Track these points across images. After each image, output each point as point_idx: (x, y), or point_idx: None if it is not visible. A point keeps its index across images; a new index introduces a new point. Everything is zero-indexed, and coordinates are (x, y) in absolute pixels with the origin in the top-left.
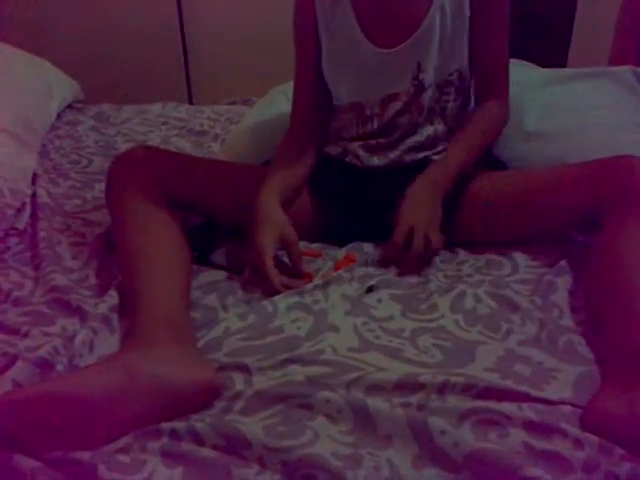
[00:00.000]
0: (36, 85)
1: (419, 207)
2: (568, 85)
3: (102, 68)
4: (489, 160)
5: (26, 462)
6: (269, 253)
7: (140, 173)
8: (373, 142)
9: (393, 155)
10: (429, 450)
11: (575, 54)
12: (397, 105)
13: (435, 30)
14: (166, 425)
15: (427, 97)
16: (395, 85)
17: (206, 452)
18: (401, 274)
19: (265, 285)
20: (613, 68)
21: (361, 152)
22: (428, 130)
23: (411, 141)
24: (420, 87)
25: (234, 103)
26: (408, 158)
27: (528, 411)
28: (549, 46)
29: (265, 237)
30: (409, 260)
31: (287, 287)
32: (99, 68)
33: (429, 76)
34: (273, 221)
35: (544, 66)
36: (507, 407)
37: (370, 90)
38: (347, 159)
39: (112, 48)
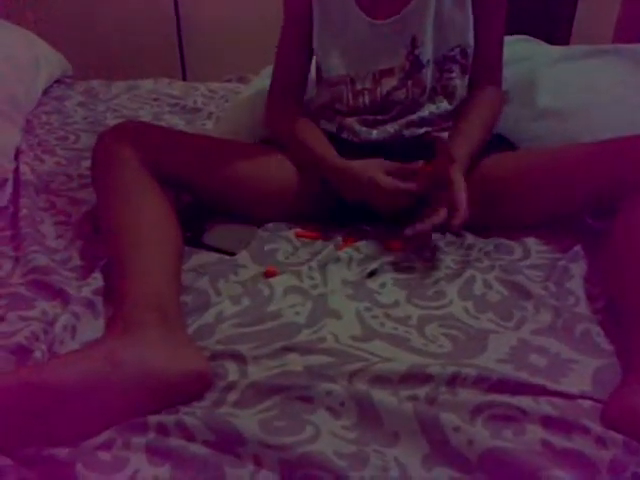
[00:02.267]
0: (22, 58)
1: None
2: (582, 62)
3: (94, 44)
4: (496, 141)
5: None
6: (380, 172)
7: (128, 148)
8: (370, 117)
9: (392, 129)
10: (441, 448)
11: (579, 30)
12: (392, 81)
13: (431, 4)
14: (152, 418)
15: (427, 74)
16: (388, 60)
17: (196, 449)
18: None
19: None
20: (627, 45)
21: (357, 126)
22: (430, 108)
23: (412, 117)
24: (417, 63)
25: (229, 81)
26: (407, 133)
27: (546, 406)
28: (553, 22)
29: (374, 168)
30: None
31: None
32: (90, 44)
33: (426, 51)
34: (369, 164)
35: (548, 42)
36: (523, 401)
37: (361, 63)
38: (343, 135)
39: (105, 24)
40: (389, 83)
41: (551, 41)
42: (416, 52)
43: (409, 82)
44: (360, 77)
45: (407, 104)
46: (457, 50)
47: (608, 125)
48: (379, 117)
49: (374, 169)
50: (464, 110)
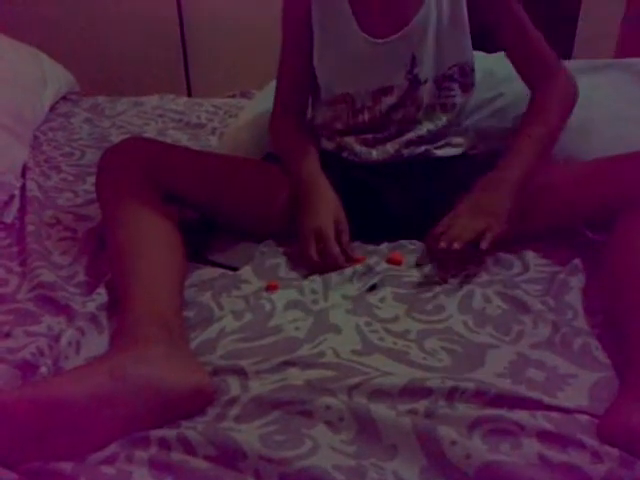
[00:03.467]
0: (29, 75)
1: (480, 201)
2: (583, 78)
3: (99, 60)
4: (496, 157)
5: (1, 474)
6: (331, 231)
7: (133, 165)
8: (369, 137)
9: (392, 149)
10: (438, 462)
11: (581, 45)
12: (391, 99)
13: (431, 22)
14: (155, 433)
15: (425, 92)
16: (388, 78)
17: (197, 463)
18: (440, 274)
19: (324, 261)
20: (628, 60)
21: (357, 147)
22: (428, 126)
23: (410, 136)
24: (415, 81)
25: (233, 96)
26: (407, 152)
27: (542, 420)
28: (554, 36)
29: (326, 217)
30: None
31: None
32: (96, 60)
33: (425, 70)
34: (330, 203)
35: None
36: (520, 416)
37: (361, 82)
38: (344, 155)
39: (110, 40)
40: (388, 101)
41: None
42: (415, 71)
43: (407, 101)
44: (360, 95)
45: (404, 123)
46: (455, 69)
47: (608, 140)
48: (378, 135)
49: (328, 219)
50: (519, 125)
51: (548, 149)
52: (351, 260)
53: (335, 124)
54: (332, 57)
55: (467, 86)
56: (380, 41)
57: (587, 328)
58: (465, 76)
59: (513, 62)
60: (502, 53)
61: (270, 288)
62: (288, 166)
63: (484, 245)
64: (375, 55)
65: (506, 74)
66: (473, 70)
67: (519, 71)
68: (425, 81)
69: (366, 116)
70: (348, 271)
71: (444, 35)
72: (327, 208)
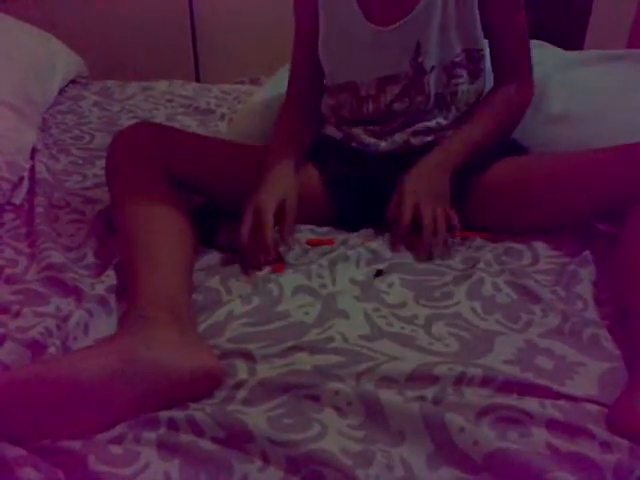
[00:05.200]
0: (39, 59)
1: (423, 184)
2: (595, 67)
3: (108, 45)
4: (509, 145)
5: (10, 450)
6: (269, 211)
7: (142, 150)
8: (377, 128)
9: (399, 139)
10: (446, 449)
11: (593, 36)
12: (395, 89)
13: (436, 8)
14: (163, 414)
15: (432, 81)
16: (391, 66)
17: (205, 444)
18: (419, 259)
19: (256, 248)
20: None
21: (365, 138)
22: (437, 118)
23: (419, 127)
24: (420, 70)
25: (242, 83)
26: (416, 141)
27: (551, 409)
28: (566, 27)
29: (270, 195)
30: (425, 242)
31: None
32: (105, 45)
33: (430, 58)
34: (281, 181)
35: (561, 47)
36: (529, 404)
37: (364, 70)
38: (353, 144)
39: (120, 25)
40: (393, 91)
41: (564, 46)
42: (419, 59)
43: (412, 90)
44: (364, 84)
45: (411, 114)
46: (463, 55)
47: (620, 130)
48: (385, 128)
49: (271, 197)
50: (472, 110)
51: (482, 146)
52: (284, 244)
53: (341, 112)
54: (336, 44)
55: (476, 73)
56: (383, 29)
57: (597, 319)
58: (473, 62)
59: (495, 52)
60: None
61: (275, 269)
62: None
63: (456, 222)
64: (379, 43)
65: None
66: (483, 56)
67: (496, 62)
68: (431, 69)
69: (370, 106)
70: (353, 256)
71: (450, 22)
72: (275, 185)
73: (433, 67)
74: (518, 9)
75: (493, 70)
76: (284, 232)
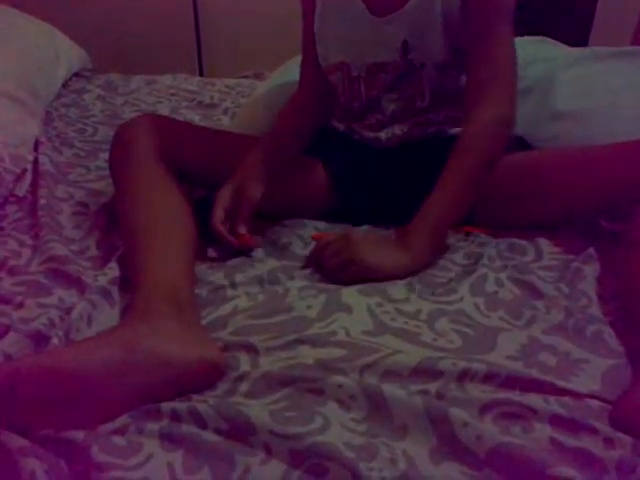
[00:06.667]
0: (43, 51)
1: (371, 245)
2: (600, 63)
3: (112, 39)
4: (513, 141)
5: (13, 440)
6: (222, 200)
7: (146, 141)
8: (373, 120)
9: (399, 130)
10: (449, 443)
11: (597, 32)
12: (385, 78)
13: (428, 7)
14: (166, 405)
15: (425, 78)
16: (383, 55)
17: (208, 436)
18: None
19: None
20: None
21: (366, 133)
22: (435, 112)
23: (419, 119)
24: (411, 65)
25: (246, 77)
26: (417, 132)
27: (555, 405)
28: (571, 23)
29: (229, 185)
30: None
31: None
32: (109, 38)
33: (421, 56)
34: (244, 172)
35: (566, 44)
36: (532, 400)
37: (356, 53)
38: (355, 137)
39: (123, 18)
40: (383, 80)
41: (569, 43)
42: (409, 56)
43: (403, 83)
44: (356, 66)
45: (406, 106)
46: (453, 53)
47: (626, 127)
48: (382, 118)
49: (229, 187)
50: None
51: (479, 179)
52: (239, 236)
53: (337, 96)
54: (331, 25)
55: (462, 66)
56: (377, 19)
57: (600, 316)
58: (458, 57)
59: (473, 59)
60: (520, 38)
61: (242, 243)
62: None
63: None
64: (372, 30)
65: (525, 57)
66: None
67: (472, 72)
68: (422, 66)
69: (362, 87)
70: None
71: (445, 18)
72: (237, 176)
73: (424, 64)
74: (502, 20)
75: (468, 79)
76: (237, 222)
